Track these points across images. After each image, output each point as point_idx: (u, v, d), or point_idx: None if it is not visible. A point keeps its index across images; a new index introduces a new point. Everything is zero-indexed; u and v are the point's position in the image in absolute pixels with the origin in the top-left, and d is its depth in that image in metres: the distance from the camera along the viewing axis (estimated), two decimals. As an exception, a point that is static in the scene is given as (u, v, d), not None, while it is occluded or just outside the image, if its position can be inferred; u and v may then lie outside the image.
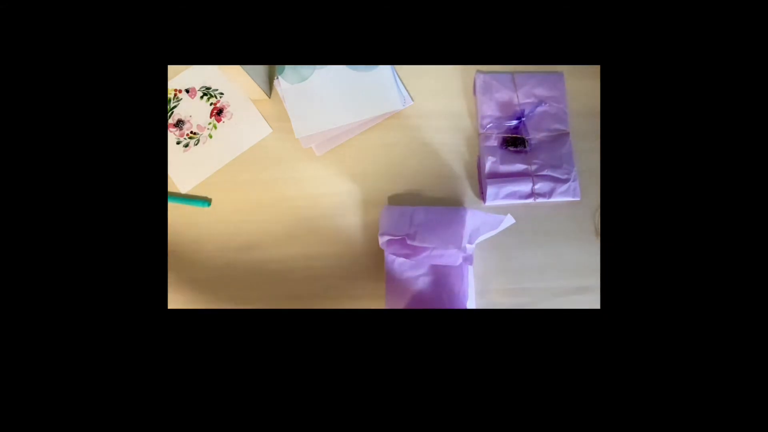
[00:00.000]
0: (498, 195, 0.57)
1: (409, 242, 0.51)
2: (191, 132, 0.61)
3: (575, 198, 0.58)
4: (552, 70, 0.62)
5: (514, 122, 0.60)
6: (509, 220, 0.52)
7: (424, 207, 0.55)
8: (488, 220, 0.52)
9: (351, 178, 0.60)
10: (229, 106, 0.62)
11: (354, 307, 0.57)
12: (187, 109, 0.62)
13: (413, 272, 0.55)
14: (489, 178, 0.58)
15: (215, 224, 0.58)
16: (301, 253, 0.58)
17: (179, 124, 0.61)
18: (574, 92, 0.62)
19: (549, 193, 0.57)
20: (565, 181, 0.58)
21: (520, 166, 0.58)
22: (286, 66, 0.61)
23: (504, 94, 0.61)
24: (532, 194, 0.57)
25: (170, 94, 0.62)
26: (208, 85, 0.62)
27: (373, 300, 0.57)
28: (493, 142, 0.60)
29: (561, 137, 0.60)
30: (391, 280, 0.55)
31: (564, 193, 0.57)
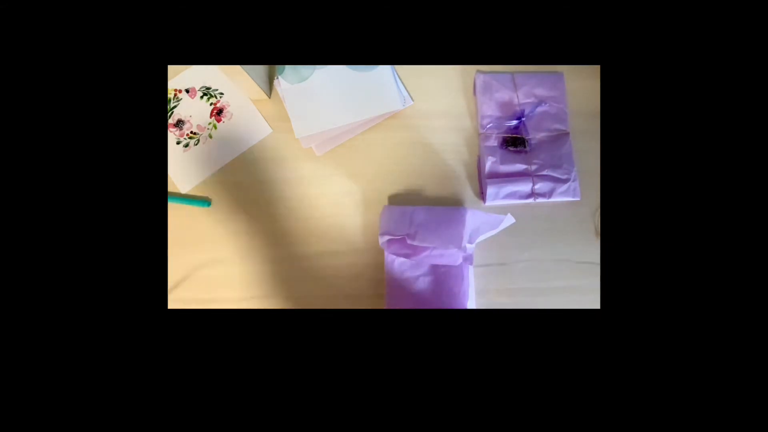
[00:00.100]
0: (498, 195, 0.57)
1: (409, 242, 0.51)
2: (191, 132, 0.61)
3: (575, 198, 0.58)
4: (552, 70, 0.62)
5: (514, 122, 0.60)
6: (509, 220, 0.52)
7: (425, 207, 0.55)
8: (488, 219, 0.52)
9: (351, 178, 0.60)
10: (229, 106, 0.62)
11: (354, 307, 0.57)
12: (187, 109, 0.62)
13: (413, 272, 0.55)
14: (489, 178, 0.58)
15: (215, 224, 0.58)
16: (301, 253, 0.58)
17: (179, 124, 0.61)
18: (574, 92, 0.62)
19: (549, 193, 0.57)
20: (565, 181, 0.58)
21: (520, 166, 0.58)
22: (286, 66, 0.60)
23: (504, 94, 0.61)
24: (532, 194, 0.57)
25: (170, 94, 0.62)
26: (208, 85, 0.62)
27: (373, 300, 0.57)
28: (493, 142, 0.60)
29: (561, 137, 0.60)
30: (391, 280, 0.55)
31: (564, 193, 0.57)
